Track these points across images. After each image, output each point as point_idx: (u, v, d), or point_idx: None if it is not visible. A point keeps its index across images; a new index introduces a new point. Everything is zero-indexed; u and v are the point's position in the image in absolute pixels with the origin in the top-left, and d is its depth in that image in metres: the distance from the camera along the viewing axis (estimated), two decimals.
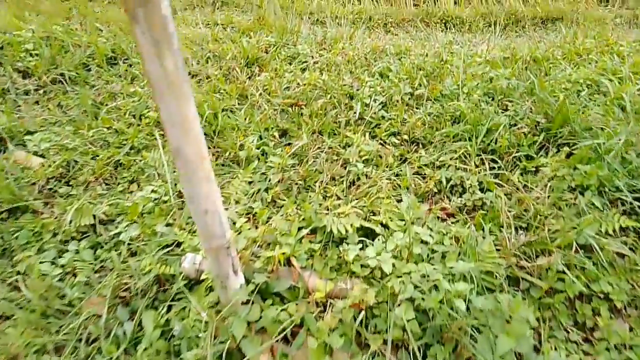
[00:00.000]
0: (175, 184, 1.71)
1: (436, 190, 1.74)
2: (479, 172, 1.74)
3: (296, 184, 1.76)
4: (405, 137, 2.00)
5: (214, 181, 0.93)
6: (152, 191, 1.68)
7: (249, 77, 2.65)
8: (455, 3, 4.62)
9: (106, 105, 2.33)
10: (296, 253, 1.31)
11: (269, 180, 1.71)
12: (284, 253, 1.23)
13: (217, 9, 4.43)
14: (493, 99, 2.17)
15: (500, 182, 1.69)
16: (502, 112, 2.03)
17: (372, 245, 1.40)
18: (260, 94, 2.41)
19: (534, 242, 1.43)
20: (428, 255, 1.33)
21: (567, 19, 4.48)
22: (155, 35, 0.66)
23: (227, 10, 4.38)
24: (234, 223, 1.40)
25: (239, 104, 2.31)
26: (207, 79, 2.61)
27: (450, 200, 1.70)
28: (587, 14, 4.50)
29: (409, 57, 2.86)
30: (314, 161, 1.90)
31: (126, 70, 2.70)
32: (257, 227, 1.49)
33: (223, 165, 1.90)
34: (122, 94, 2.44)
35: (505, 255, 1.40)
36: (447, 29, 4.44)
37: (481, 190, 1.67)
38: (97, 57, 2.76)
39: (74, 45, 2.85)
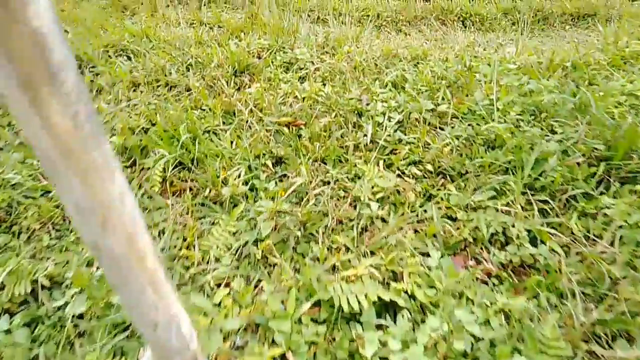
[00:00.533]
0: None
1: (471, 240, 1.46)
2: (526, 217, 1.46)
3: (293, 231, 1.48)
4: (429, 167, 1.72)
5: (164, 282, 0.66)
6: None
7: (238, 89, 2.38)
8: None
9: None
10: (293, 345, 1.03)
11: (259, 230, 1.43)
12: (274, 357, 0.95)
13: (204, 5, 4.16)
14: (535, 118, 1.89)
15: (555, 232, 1.41)
16: (548, 136, 1.75)
17: (395, 324, 1.13)
18: (251, 110, 2.14)
19: (609, 320, 1.15)
20: (473, 346, 1.05)
21: (601, 16, 4.22)
22: (24, 68, 0.38)
23: (216, 7, 4.12)
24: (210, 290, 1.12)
25: (224, 123, 2.04)
26: (187, 91, 2.34)
27: (489, 253, 1.42)
28: (624, 10, 4.24)
29: (427, 63, 2.59)
30: (316, 198, 1.63)
31: (92, 80, 2.43)
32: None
33: (202, 205, 1.62)
34: None
35: (573, 340, 1.12)
36: (465, 27, 4.18)
37: (531, 241, 1.39)
38: None
39: None
